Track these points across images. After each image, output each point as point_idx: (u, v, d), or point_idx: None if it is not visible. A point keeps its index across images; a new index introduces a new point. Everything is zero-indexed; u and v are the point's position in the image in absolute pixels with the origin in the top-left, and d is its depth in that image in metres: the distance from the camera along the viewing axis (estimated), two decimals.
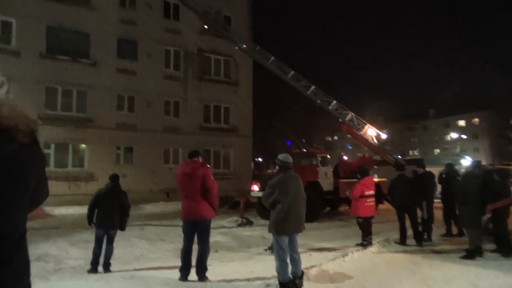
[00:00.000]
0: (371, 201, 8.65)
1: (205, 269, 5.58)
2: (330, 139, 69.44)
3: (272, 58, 16.92)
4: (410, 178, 9.27)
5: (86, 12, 18.13)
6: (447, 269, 6.38)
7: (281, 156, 5.53)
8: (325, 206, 14.66)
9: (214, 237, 8.75)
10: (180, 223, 5.83)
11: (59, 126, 16.64)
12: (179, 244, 5.97)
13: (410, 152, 65.99)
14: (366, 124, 16.96)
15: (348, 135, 19.82)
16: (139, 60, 19.47)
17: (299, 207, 5.30)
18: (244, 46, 17.98)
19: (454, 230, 9.47)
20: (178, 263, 5.73)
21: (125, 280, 5.73)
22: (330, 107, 16.83)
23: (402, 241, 8.54)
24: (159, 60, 20.06)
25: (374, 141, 16.79)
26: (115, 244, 6.58)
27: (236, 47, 18.23)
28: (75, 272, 6.39)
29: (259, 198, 11.36)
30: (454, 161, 21.22)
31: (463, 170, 10.87)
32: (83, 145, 18.24)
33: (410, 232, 8.73)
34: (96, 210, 6.49)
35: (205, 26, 18.86)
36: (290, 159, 5.48)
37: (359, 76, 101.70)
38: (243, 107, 22.43)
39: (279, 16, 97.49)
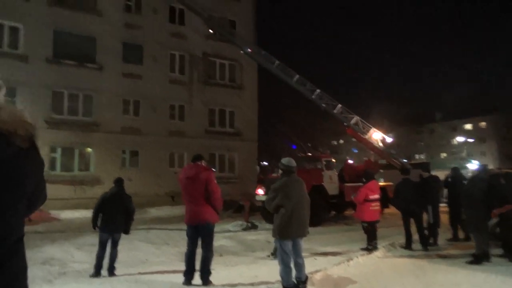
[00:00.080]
0: (376, 205, 8.60)
1: (209, 273, 5.58)
2: (335, 143, 69.32)
3: (277, 62, 16.95)
4: (415, 182, 9.19)
5: (92, 17, 18.31)
6: (453, 275, 6.31)
7: (284, 160, 5.52)
8: (330, 210, 14.59)
9: (219, 241, 8.75)
10: (185, 227, 5.83)
11: (66, 130, 16.85)
12: (184, 248, 5.98)
13: (417, 156, 65.45)
14: (371, 127, 16.90)
15: (354, 139, 19.76)
16: (145, 64, 19.59)
17: (303, 211, 5.28)
18: (249, 50, 18.04)
19: (461, 234, 9.39)
20: (183, 267, 5.73)
21: (130, 284, 5.75)
22: (335, 111, 16.79)
23: (408, 245, 8.48)
24: (165, 64, 20.18)
25: (379, 145, 16.71)
26: (119, 247, 6.60)
27: (241, 51, 18.29)
28: (80, 276, 6.41)
29: (264, 202, 11.33)
30: (461, 165, 21.08)
31: (469, 174, 10.79)
32: (89, 149, 18.35)
33: (416, 236, 8.66)
34: (100, 214, 6.51)
35: (210, 31, 18.96)
36: (293, 163, 5.46)
37: (365, 79, 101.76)
38: (248, 111, 22.43)
39: (284, 20, 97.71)
